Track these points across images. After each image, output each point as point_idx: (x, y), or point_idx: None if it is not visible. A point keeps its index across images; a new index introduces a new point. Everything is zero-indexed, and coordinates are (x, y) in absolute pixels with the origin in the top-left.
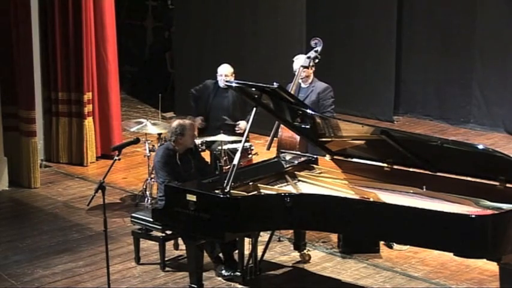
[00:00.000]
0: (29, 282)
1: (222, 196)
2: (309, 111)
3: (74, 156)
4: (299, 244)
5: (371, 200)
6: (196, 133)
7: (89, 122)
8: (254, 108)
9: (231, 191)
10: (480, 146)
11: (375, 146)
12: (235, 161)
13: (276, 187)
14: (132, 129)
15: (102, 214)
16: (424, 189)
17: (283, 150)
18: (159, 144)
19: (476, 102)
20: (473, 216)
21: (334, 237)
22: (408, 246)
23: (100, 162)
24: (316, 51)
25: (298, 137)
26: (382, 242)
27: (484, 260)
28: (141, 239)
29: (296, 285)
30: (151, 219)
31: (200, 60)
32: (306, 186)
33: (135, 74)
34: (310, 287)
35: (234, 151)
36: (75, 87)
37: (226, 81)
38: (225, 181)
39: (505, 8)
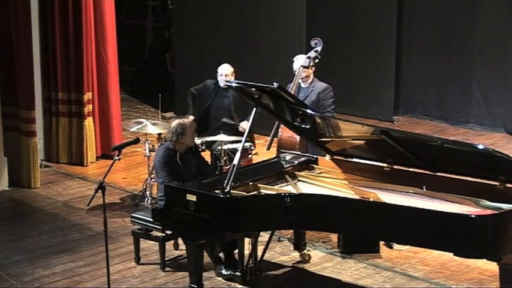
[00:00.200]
0: (29, 282)
1: (222, 196)
2: (309, 111)
3: (74, 156)
4: (299, 244)
5: (371, 200)
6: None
7: (89, 122)
8: (254, 108)
9: (231, 191)
10: (480, 146)
11: (374, 146)
12: (235, 161)
13: (276, 187)
14: (132, 129)
15: (102, 214)
16: (424, 189)
17: (283, 150)
18: (159, 144)
19: (476, 102)
20: (473, 216)
21: (334, 237)
22: (408, 246)
23: (100, 162)
24: (316, 51)
25: (298, 137)
26: (382, 242)
27: (484, 260)
28: (141, 239)
29: (296, 285)
30: (151, 219)
31: (200, 60)
32: (306, 186)
33: (135, 74)
34: (310, 287)
35: (234, 151)
36: (75, 87)
37: (226, 81)
38: (225, 181)
39: (505, 8)
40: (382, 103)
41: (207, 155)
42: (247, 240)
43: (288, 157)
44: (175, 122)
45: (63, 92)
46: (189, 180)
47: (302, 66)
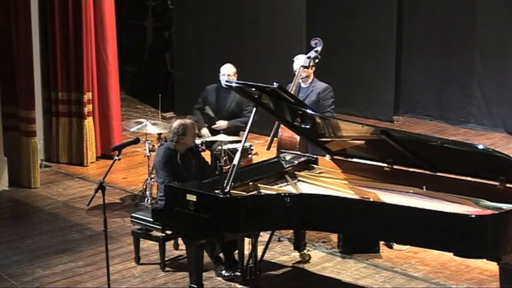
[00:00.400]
0: (29, 282)
1: (222, 196)
2: (309, 111)
3: (74, 156)
4: (299, 244)
5: (371, 200)
6: (197, 132)
7: (89, 122)
8: (254, 108)
9: (231, 191)
10: (480, 146)
11: (374, 146)
12: (235, 161)
13: (276, 187)
14: (132, 129)
15: (102, 214)
16: (424, 189)
17: (283, 150)
18: (159, 144)
19: (476, 102)
20: (473, 216)
21: (334, 237)
22: (408, 246)
23: (100, 162)
24: (316, 51)
25: (298, 137)
26: (382, 242)
27: (484, 260)
28: (141, 239)
29: (296, 285)
30: (151, 219)
31: (200, 60)
32: (306, 186)
33: (135, 74)
34: (310, 287)
35: (234, 151)
36: (75, 87)
37: (226, 81)
38: (225, 181)
39: (505, 8)
40: (382, 103)
41: (207, 155)
42: (247, 240)
43: (288, 157)
44: (176, 122)
45: (63, 92)
46: (189, 181)
47: (302, 66)
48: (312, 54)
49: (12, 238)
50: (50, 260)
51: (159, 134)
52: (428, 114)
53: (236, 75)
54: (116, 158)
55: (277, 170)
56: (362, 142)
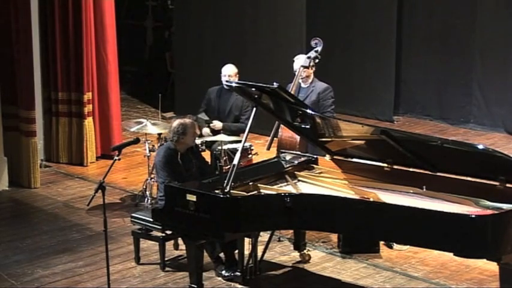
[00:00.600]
0: (29, 282)
1: (222, 196)
2: (309, 111)
3: (74, 156)
4: (299, 244)
5: (371, 200)
6: (197, 131)
7: (89, 122)
8: (254, 108)
9: (231, 191)
10: (480, 146)
11: (374, 146)
12: (235, 161)
13: (276, 187)
14: (132, 129)
15: (102, 214)
16: (424, 189)
17: (283, 150)
18: (159, 144)
19: (476, 102)
20: (473, 216)
21: (334, 237)
22: (408, 246)
23: (100, 162)
24: (316, 51)
25: (298, 137)
26: (382, 242)
27: (484, 260)
28: (141, 239)
29: (296, 285)
30: (151, 219)
31: (200, 60)
32: (306, 186)
33: (135, 74)
34: (310, 287)
35: (234, 151)
36: (75, 87)
37: (226, 81)
38: (225, 181)
39: (505, 8)
40: (382, 103)
41: (207, 155)
42: (247, 240)
43: (288, 157)
44: (176, 122)
45: (63, 92)
46: (189, 181)
47: (302, 66)
48: (312, 54)
49: (12, 238)
50: (50, 260)
51: (159, 134)
52: (428, 114)
53: (237, 75)
54: (116, 158)
55: (277, 170)
56: (362, 142)
